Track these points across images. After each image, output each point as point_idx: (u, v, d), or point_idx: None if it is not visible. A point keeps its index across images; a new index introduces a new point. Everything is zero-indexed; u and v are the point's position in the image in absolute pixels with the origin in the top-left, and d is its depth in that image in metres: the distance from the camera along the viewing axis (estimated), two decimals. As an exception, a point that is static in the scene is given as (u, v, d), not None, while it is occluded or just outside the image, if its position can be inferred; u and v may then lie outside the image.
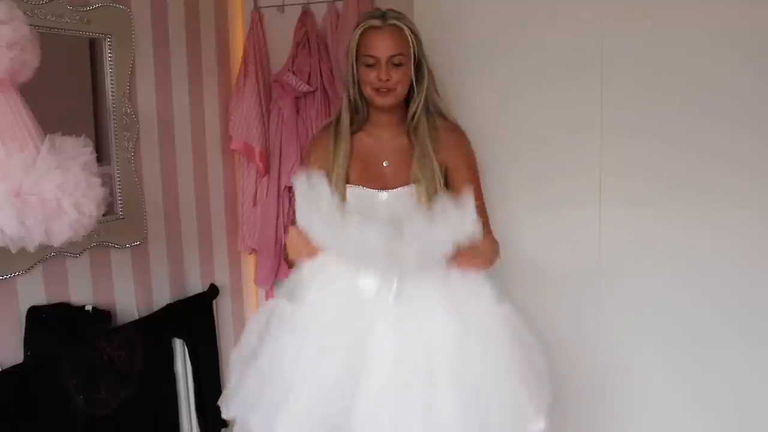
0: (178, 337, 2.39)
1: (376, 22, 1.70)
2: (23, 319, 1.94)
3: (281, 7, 2.69)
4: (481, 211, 1.72)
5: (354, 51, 1.73)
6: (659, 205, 2.14)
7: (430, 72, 1.78)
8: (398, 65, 1.70)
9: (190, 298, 2.53)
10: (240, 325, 2.88)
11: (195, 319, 2.50)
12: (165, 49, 2.45)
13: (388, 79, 1.70)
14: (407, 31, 1.71)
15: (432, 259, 1.50)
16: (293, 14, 2.64)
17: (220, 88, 2.73)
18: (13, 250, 1.51)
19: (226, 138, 2.74)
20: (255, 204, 2.76)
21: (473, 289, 1.57)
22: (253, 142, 2.67)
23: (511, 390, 1.51)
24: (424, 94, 1.78)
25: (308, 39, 2.59)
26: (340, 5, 2.57)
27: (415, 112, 1.78)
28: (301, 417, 1.49)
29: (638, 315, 2.22)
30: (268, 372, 1.54)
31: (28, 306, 1.95)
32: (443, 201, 1.51)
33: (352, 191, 1.75)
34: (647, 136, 2.13)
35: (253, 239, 2.76)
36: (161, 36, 2.43)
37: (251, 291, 2.93)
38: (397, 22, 1.70)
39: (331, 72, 2.59)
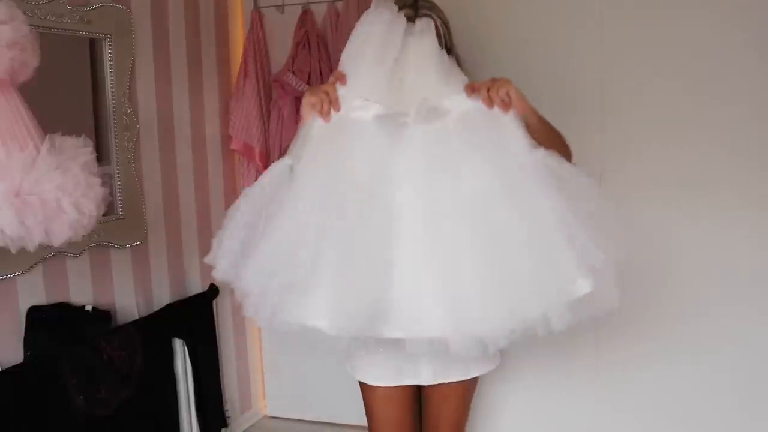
0: (178, 337, 2.39)
1: (409, 13, 1.65)
2: (23, 319, 1.94)
3: (281, 7, 2.69)
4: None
5: None
6: (660, 199, 2.15)
7: (458, 60, 1.74)
8: None
9: (190, 298, 2.53)
10: (240, 325, 2.88)
11: (195, 319, 2.49)
12: (165, 49, 2.45)
13: None
14: (439, 22, 1.68)
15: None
16: (293, 14, 2.64)
17: (220, 88, 2.73)
18: (13, 250, 1.50)
19: (226, 138, 2.74)
20: (255, 204, 2.76)
21: (505, 130, 1.41)
22: (253, 142, 2.67)
23: (557, 247, 1.29)
24: None
25: (308, 39, 2.59)
26: (340, 5, 2.57)
27: None
28: (341, 292, 1.31)
29: (640, 311, 2.22)
30: (292, 245, 1.34)
31: (28, 306, 1.95)
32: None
33: None
34: (648, 129, 2.14)
35: (253, 239, 2.76)
36: (161, 36, 2.43)
37: (251, 291, 2.93)
38: (430, 13, 1.66)
39: (331, 72, 2.59)
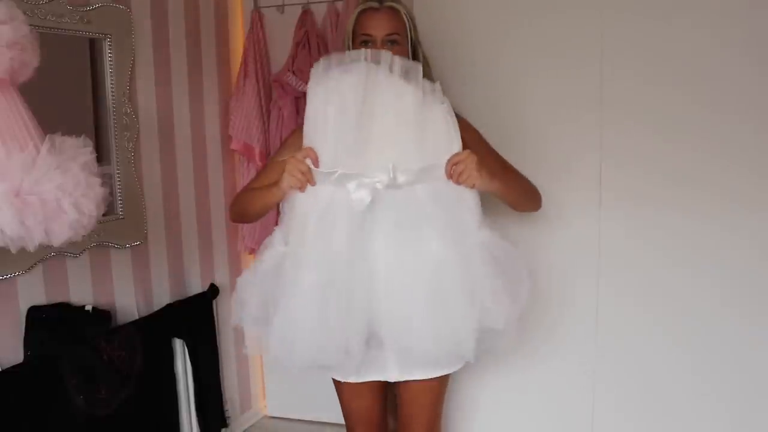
0: (178, 337, 2.39)
1: (374, 4, 1.73)
2: (23, 319, 1.94)
3: (281, 7, 2.69)
4: (509, 167, 1.82)
5: (351, 32, 1.76)
6: (660, 200, 2.15)
7: (425, 58, 1.79)
8: (394, 43, 1.71)
9: (190, 298, 2.53)
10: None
11: (195, 319, 2.49)
12: (165, 49, 2.45)
13: None
14: (404, 14, 1.73)
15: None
16: (293, 14, 2.64)
17: (220, 88, 2.73)
18: (13, 250, 1.50)
19: (226, 138, 2.74)
20: (255, 204, 2.76)
21: (464, 205, 1.62)
22: (253, 142, 2.67)
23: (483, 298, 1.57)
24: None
25: (308, 39, 2.59)
26: (340, 5, 2.57)
27: None
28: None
29: (639, 309, 2.22)
30: (299, 316, 1.57)
31: (28, 306, 1.95)
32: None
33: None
34: (647, 131, 2.14)
35: (253, 239, 2.76)
36: (161, 36, 2.43)
37: (251, 291, 2.93)
38: (394, 5, 1.73)
39: (331, 72, 2.59)
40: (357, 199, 1.53)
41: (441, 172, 1.58)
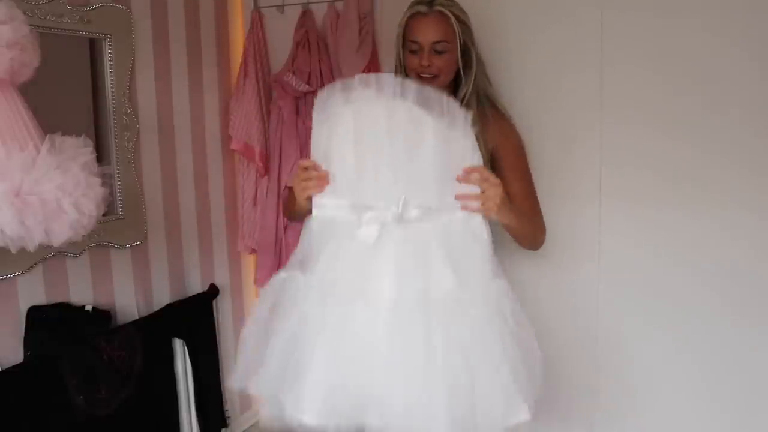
0: (178, 337, 2.39)
1: (423, 8, 1.71)
2: (23, 319, 1.94)
3: (281, 7, 2.69)
4: (531, 197, 1.78)
5: (401, 37, 1.75)
6: (660, 199, 2.15)
7: (479, 60, 1.78)
8: (441, 52, 1.70)
9: (190, 298, 2.52)
10: (240, 325, 2.88)
11: (195, 319, 2.50)
12: (165, 49, 2.45)
13: (429, 65, 1.70)
14: (452, 19, 1.71)
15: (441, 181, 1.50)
16: (293, 14, 2.64)
17: (220, 88, 2.73)
18: (13, 250, 1.50)
19: (226, 138, 2.74)
20: (255, 204, 2.76)
21: (473, 244, 1.53)
22: (253, 142, 2.67)
23: (500, 375, 1.45)
24: (472, 81, 1.78)
25: (308, 39, 2.59)
26: (340, 5, 2.57)
27: (463, 99, 1.76)
28: (328, 385, 1.45)
29: (639, 309, 2.22)
30: (293, 346, 1.49)
31: (28, 306, 1.95)
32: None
33: None
34: (647, 129, 2.14)
35: (253, 239, 2.76)
36: (161, 36, 2.43)
37: (251, 291, 2.93)
38: (443, 9, 1.70)
39: (331, 72, 2.59)
40: (365, 235, 1.48)
41: (457, 208, 1.51)
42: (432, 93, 1.47)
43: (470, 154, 1.51)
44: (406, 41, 1.74)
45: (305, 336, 1.48)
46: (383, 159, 1.49)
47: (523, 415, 1.46)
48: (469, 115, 1.49)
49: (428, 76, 1.72)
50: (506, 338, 1.47)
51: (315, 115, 1.53)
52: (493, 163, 1.78)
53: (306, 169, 1.55)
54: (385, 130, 1.48)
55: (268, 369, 1.50)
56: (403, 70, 1.79)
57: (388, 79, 1.48)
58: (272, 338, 1.51)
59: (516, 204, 1.67)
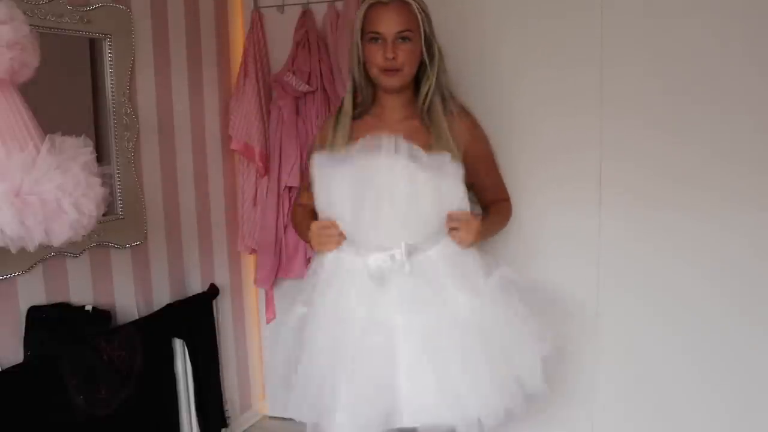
0: (178, 337, 2.39)
1: None
2: (23, 319, 1.94)
3: (281, 7, 2.69)
4: (501, 182, 1.92)
5: (359, 28, 1.66)
6: (660, 198, 2.15)
7: (440, 51, 1.71)
8: (405, 40, 1.62)
9: (190, 298, 2.52)
10: (240, 325, 2.88)
11: (195, 319, 2.49)
12: (165, 49, 2.45)
13: (394, 57, 1.62)
14: (415, 7, 1.63)
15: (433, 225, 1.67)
16: (293, 14, 2.64)
17: (220, 88, 2.73)
18: (13, 250, 1.50)
19: (226, 138, 2.74)
20: (255, 204, 2.76)
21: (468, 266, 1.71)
22: (253, 142, 2.67)
23: (523, 338, 1.71)
24: (436, 74, 1.70)
25: (308, 39, 2.59)
26: (340, 5, 2.57)
27: (427, 93, 1.71)
28: (356, 413, 1.59)
29: (639, 308, 2.22)
30: (317, 375, 1.65)
31: (28, 306, 1.95)
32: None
33: None
34: (648, 129, 2.14)
35: (253, 239, 2.76)
36: (161, 36, 2.43)
37: (251, 291, 2.93)
38: None
39: (331, 72, 2.59)
40: (374, 278, 1.61)
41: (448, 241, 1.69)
42: (414, 149, 1.62)
43: (459, 200, 1.68)
44: (365, 33, 1.64)
45: (328, 362, 1.64)
46: (381, 212, 1.61)
47: (546, 349, 1.74)
48: (449, 157, 1.65)
49: (392, 69, 1.64)
50: (516, 306, 1.71)
51: (315, 169, 1.69)
52: (465, 157, 1.74)
53: (325, 227, 1.66)
54: (386, 184, 1.60)
55: (308, 398, 1.68)
56: (361, 66, 1.70)
57: (387, 141, 1.62)
58: (299, 366, 1.68)
59: (491, 193, 1.88)
